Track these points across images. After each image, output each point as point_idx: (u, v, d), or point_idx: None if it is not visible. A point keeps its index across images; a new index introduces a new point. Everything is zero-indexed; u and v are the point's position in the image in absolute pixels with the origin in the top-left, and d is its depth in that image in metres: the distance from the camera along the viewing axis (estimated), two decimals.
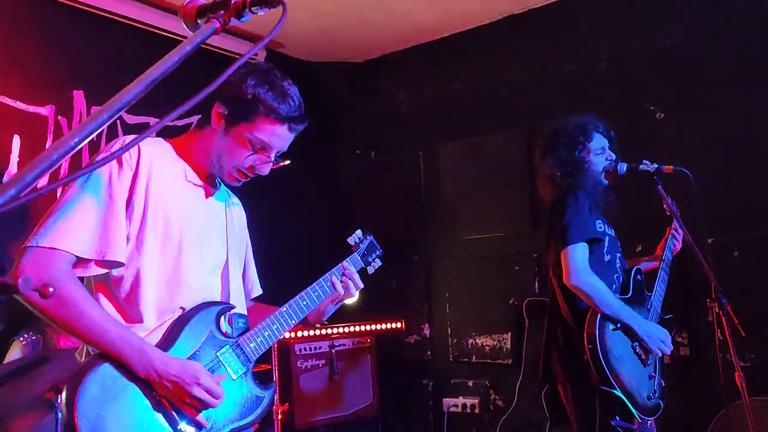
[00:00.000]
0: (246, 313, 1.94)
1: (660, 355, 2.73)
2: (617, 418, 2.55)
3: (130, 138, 1.71)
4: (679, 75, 3.98)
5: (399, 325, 4.87)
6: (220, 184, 1.93)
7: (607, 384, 2.50)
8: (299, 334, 4.34)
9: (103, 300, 1.70)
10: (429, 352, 4.89)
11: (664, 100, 4.01)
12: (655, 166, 2.72)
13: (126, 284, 1.69)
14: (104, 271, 1.67)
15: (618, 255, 2.82)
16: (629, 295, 2.74)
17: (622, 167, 2.78)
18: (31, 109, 3.66)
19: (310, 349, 4.38)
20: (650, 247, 3.30)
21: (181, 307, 1.74)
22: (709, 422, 3.52)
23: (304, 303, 1.95)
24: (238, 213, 2.05)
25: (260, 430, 3.27)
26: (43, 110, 3.73)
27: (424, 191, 5.04)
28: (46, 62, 3.79)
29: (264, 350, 1.84)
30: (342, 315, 4.93)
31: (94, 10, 3.96)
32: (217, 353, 1.75)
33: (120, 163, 1.67)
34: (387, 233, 5.06)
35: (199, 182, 1.84)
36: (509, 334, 4.49)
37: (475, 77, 4.81)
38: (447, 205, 4.91)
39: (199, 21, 1.10)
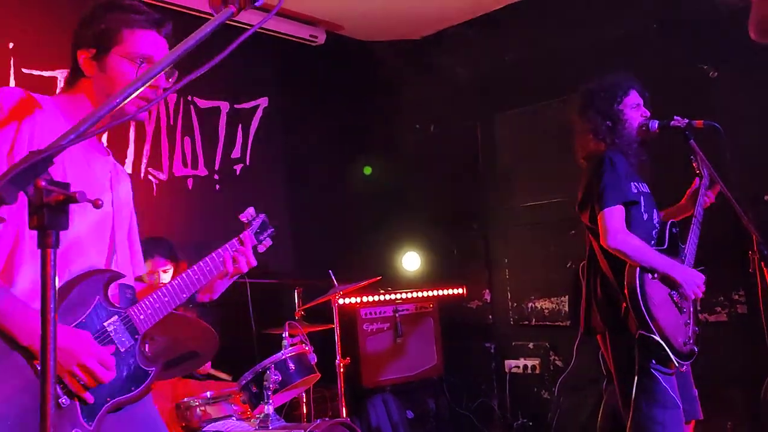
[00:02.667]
0: (133, 285, 1.88)
1: (694, 297, 2.81)
2: (653, 361, 2.66)
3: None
4: (731, 32, 3.93)
5: (460, 291, 5.08)
6: (103, 149, 1.88)
7: (647, 329, 2.62)
8: (364, 299, 4.63)
9: None
10: (490, 317, 5.07)
11: (717, 59, 3.99)
12: (686, 121, 2.79)
13: (4, 242, 1.58)
14: None
15: (654, 210, 2.92)
16: (665, 246, 2.83)
17: (654, 124, 2.87)
18: None
19: (375, 313, 4.65)
20: None
21: (68, 270, 1.65)
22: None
23: (196, 277, 1.89)
24: (124, 182, 1.93)
25: (322, 382, 3.57)
26: None
27: (481, 161, 5.19)
28: None
29: (154, 322, 1.78)
30: (405, 281, 5.21)
31: (164, 4, 4.27)
32: (105, 323, 1.68)
33: None
34: (447, 203, 5.33)
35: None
36: (567, 296, 4.61)
37: (529, 46, 4.90)
38: (504, 174, 5.05)
39: (223, 6, 1.31)
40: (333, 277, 3.76)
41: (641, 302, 2.65)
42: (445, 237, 5.28)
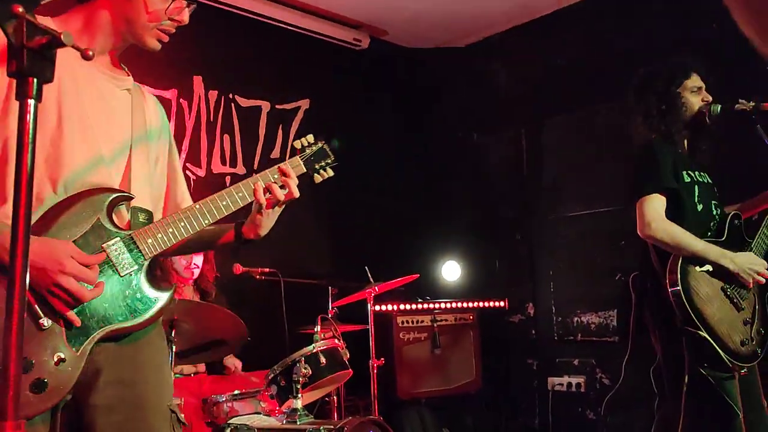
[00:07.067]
0: (152, 211, 1.70)
1: (751, 283, 2.57)
2: (705, 363, 2.43)
3: None
4: None
5: (502, 303, 4.87)
6: (123, 71, 1.74)
7: (691, 324, 2.41)
8: (401, 307, 4.46)
9: None
10: (533, 331, 4.84)
11: None
12: (752, 104, 2.60)
13: None
14: None
15: (713, 202, 2.71)
16: (723, 238, 2.62)
17: (716, 108, 2.68)
18: (157, 92, 4.06)
19: (413, 322, 4.48)
20: None
21: (64, 188, 1.51)
22: None
23: (224, 203, 1.68)
24: (152, 108, 1.79)
25: (355, 389, 3.41)
26: (167, 93, 4.13)
27: (526, 169, 5.02)
28: (170, 51, 4.17)
29: (164, 248, 1.60)
30: (444, 291, 5.03)
31: (211, 2, 4.29)
32: (103, 245, 1.52)
33: None
34: (490, 213, 5.15)
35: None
36: (615, 310, 4.36)
37: (575, 52, 4.75)
38: (550, 182, 4.87)
39: None
40: (369, 274, 3.62)
41: (683, 296, 2.45)
42: (487, 247, 5.11)
